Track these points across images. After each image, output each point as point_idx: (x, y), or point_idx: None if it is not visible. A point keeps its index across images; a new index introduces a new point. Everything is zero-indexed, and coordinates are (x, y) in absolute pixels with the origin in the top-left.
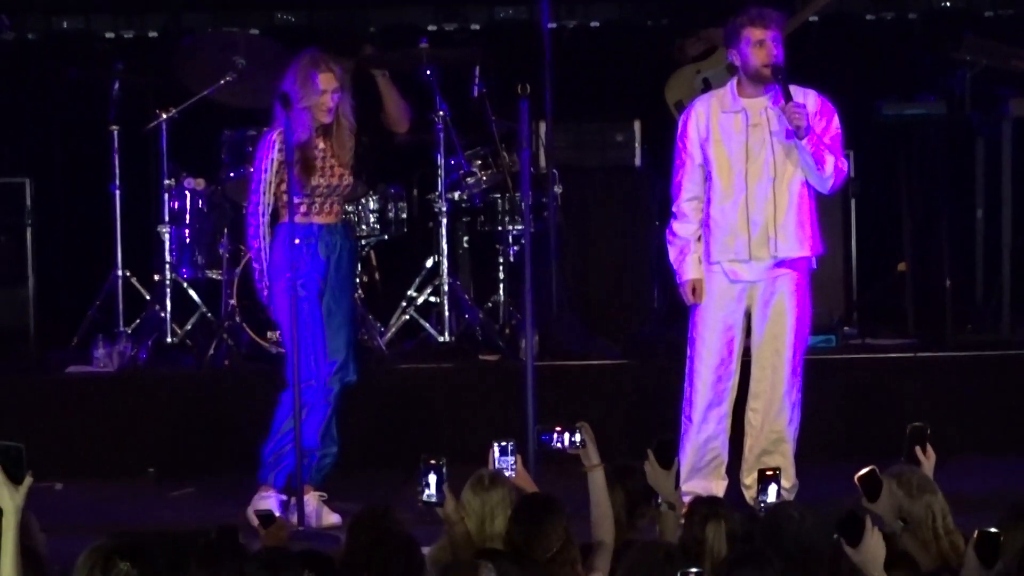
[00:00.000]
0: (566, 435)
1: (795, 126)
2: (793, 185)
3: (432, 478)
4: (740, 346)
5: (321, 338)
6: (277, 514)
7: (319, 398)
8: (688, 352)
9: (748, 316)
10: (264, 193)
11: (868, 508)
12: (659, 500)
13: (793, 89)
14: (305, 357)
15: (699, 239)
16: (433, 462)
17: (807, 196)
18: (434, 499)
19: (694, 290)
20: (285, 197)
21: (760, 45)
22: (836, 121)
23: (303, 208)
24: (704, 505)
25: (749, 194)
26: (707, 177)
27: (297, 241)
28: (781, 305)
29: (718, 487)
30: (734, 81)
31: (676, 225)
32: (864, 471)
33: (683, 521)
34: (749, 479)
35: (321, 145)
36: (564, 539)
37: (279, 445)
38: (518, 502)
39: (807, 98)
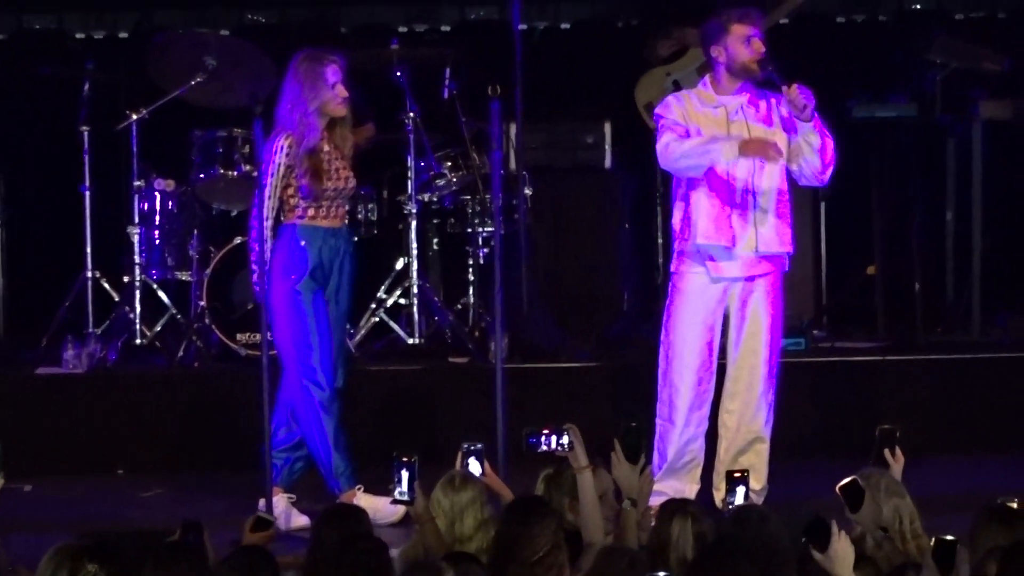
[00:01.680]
0: (553, 437)
1: (800, 107)
2: (773, 180)
3: (404, 475)
4: (718, 347)
5: (329, 342)
6: (273, 520)
7: (332, 402)
8: (664, 353)
9: (725, 316)
10: (269, 198)
11: (851, 518)
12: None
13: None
14: (317, 360)
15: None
16: (406, 459)
17: (786, 192)
18: (405, 497)
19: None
20: (292, 201)
21: (748, 41)
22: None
23: (310, 211)
24: (674, 504)
25: (732, 188)
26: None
27: (303, 243)
28: (759, 305)
29: (691, 490)
30: (707, 79)
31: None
32: (846, 481)
33: (653, 522)
34: (721, 481)
35: (327, 148)
36: (553, 542)
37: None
38: (509, 504)
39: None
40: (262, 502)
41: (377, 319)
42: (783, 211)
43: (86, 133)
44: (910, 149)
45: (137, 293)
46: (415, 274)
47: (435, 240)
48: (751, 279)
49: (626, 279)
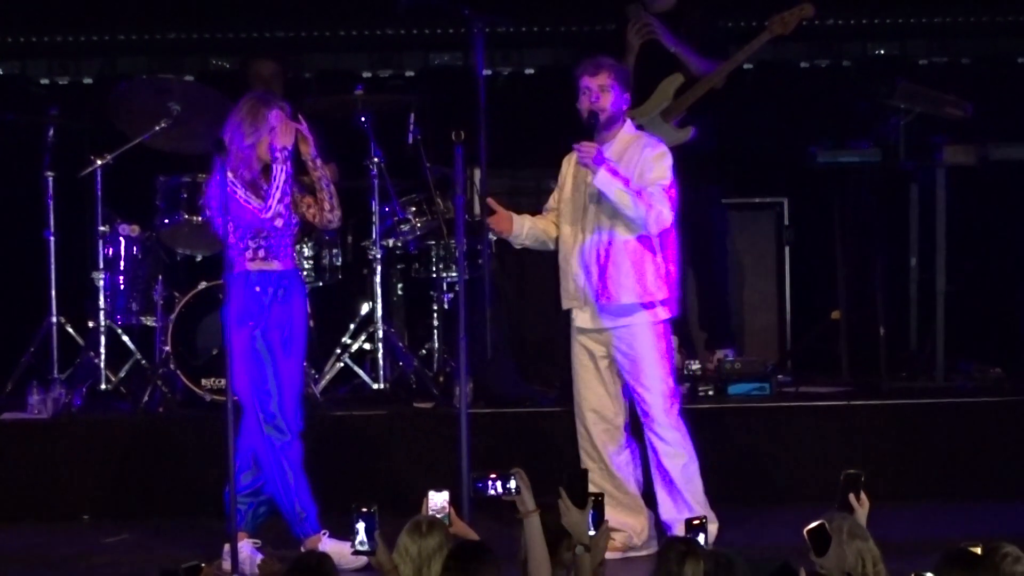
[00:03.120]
0: (499, 482)
1: (582, 163)
2: (616, 234)
3: (363, 526)
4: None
5: (289, 386)
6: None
7: (293, 447)
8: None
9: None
10: (274, 194)
11: (816, 562)
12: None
13: (640, 137)
14: (276, 406)
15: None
16: (365, 510)
17: (637, 244)
18: (366, 547)
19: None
20: (241, 245)
21: (584, 93)
22: (658, 166)
23: (260, 254)
24: (681, 543)
25: (582, 240)
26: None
27: (257, 289)
28: (624, 352)
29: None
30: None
31: None
32: (813, 525)
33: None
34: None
35: (265, 186)
36: None
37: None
38: (451, 549)
39: (639, 146)
40: (227, 547)
41: (342, 364)
42: (627, 266)
43: (50, 179)
44: (874, 194)
45: (102, 338)
46: (380, 319)
47: (399, 285)
48: (609, 328)
49: None
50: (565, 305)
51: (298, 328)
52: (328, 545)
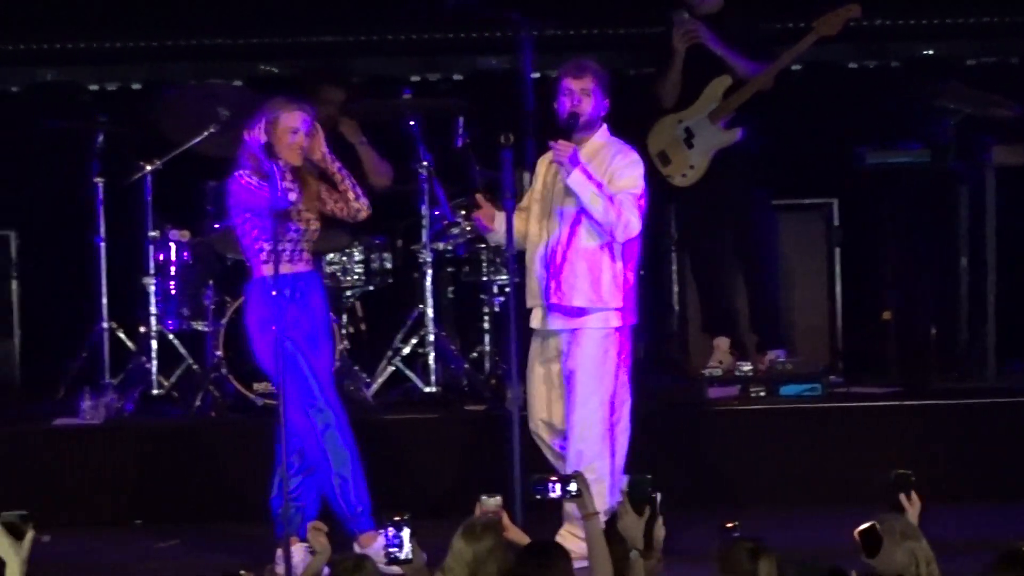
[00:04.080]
0: (559, 484)
1: (556, 161)
2: (577, 235)
3: (396, 534)
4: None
5: (327, 377)
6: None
7: (339, 424)
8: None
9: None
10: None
11: (867, 563)
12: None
13: (612, 144)
14: (319, 390)
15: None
16: (398, 518)
17: (598, 248)
18: (401, 556)
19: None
20: (256, 245)
21: (565, 94)
22: (628, 175)
23: (273, 256)
24: (747, 541)
25: (545, 240)
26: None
27: (275, 293)
28: (572, 356)
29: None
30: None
31: None
32: (864, 526)
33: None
34: None
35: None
36: None
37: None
38: (525, 546)
39: (609, 152)
40: (279, 552)
41: (393, 368)
42: (582, 268)
43: (100, 185)
44: (923, 195)
45: (153, 344)
46: (430, 323)
47: (450, 289)
48: (561, 330)
49: (640, 327)
50: (528, 304)
51: (320, 327)
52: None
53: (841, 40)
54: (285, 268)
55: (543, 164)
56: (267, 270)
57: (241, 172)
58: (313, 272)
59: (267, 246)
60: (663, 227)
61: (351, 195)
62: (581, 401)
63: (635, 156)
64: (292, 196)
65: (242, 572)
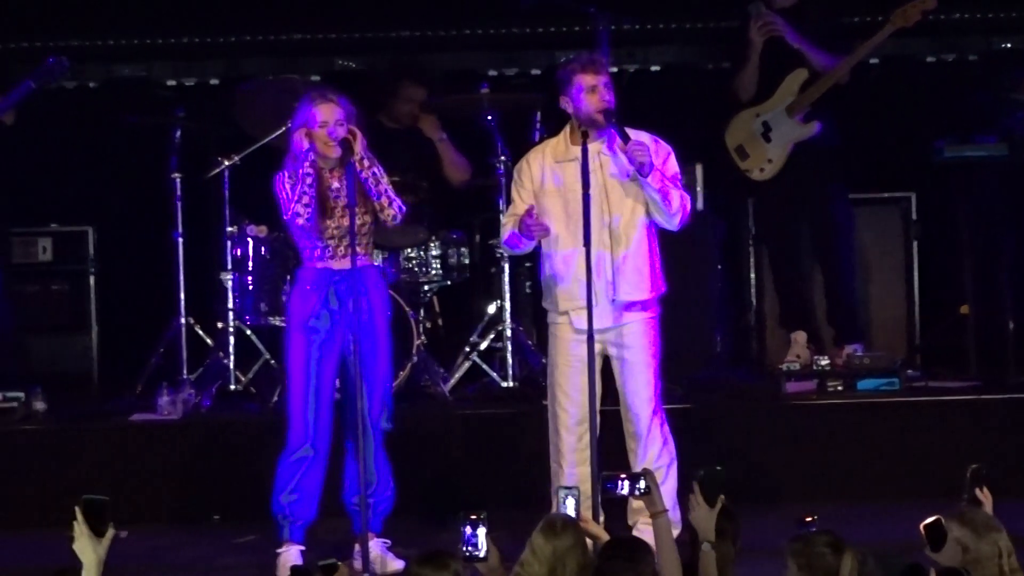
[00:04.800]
0: (628, 482)
1: (638, 163)
2: (630, 229)
3: (472, 532)
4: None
5: (320, 394)
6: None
7: (317, 460)
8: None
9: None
10: (299, 199)
11: (932, 557)
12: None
13: (615, 134)
14: (300, 413)
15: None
16: (474, 516)
17: (645, 240)
18: (480, 554)
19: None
20: (303, 243)
21: (592, 91)
22: (672, 160)
23: (317, 253)
24: (825, 535)
25: (589, 240)
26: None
27: (309, 287)
28: (632, 349)
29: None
30: (566, 129)
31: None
32: (929, 520)
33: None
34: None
35: (335, 185)
36: None
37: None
38: (611, 541)
39: (640, 139)
40: (357, 547)
41: (471, 363)
42: (641, 261)
43: (178, 180)
44: (1000, 188)
45: (231, 339)
46: (508, 318)
47: (527, 284)
48: (619, 325)
49: (718, 320)
50: (562, 307)
51: (372, 325)
52: (294, 557)
53: (918, 34)
54: (331, 264)
55: (543, 164)
56: (307, 263)
57: (282, 173)
58: (364, 269)
59: (308, 242)
60: (741, 221)
61: (383, 202)
62: (646, 394)
63: (662, 141)
64: (300, 221)
65: (321, 563)
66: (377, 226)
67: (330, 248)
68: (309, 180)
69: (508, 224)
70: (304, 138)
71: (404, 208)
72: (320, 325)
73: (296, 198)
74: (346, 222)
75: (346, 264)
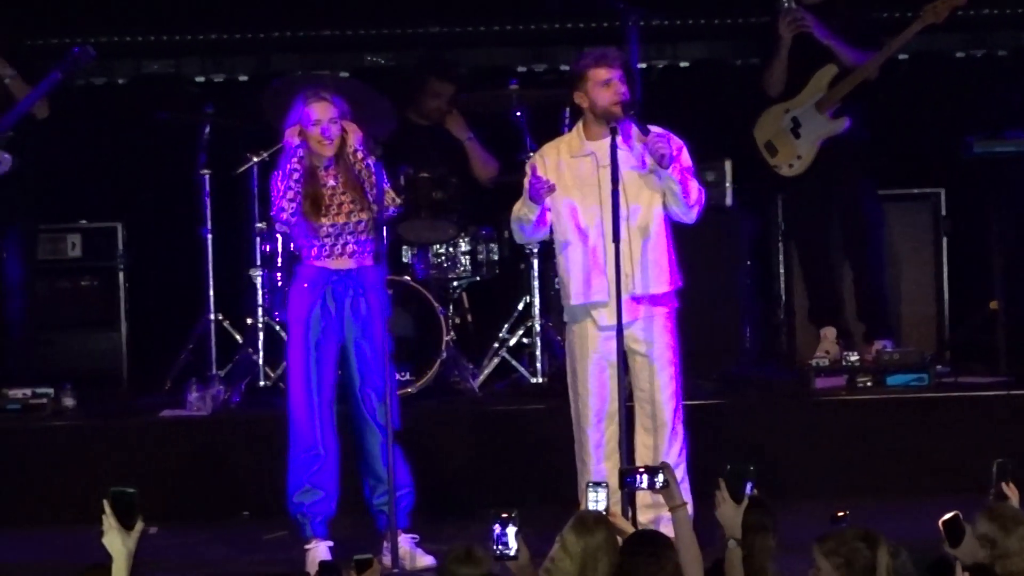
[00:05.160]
0: (646, 476)
1: (659, 156)
2: (647, 222)
3: (503, 530)
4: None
5: (321, 393)
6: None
7: (328, 457)
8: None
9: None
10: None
11: (951, 553)
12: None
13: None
14: (303, 412)
15: None
16: (505, 515)
17: (663, 232)
18: (511, 553)
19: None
20: (300, 241)
21: (607, 84)
22: (686, 153)
23: (314, 251)
24: (859, 531)
25: (604, 235)
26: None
27: (306, 286)
28: (653, 345)
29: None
30: (580, 125)
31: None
32: (948, 516)
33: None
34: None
35: (331, 183)
36: None
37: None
38: (632, 535)
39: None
40: (386, 543)
41: (500, 359)
42: (659, 254)
43: (207, 176)
44: None
45: (260, 335)
46: (537, 313)
47: (556, 279)
48: (636, 319)
49: (747, 316)
50: (582, 303)
51: (371, 326)
52: (323, 553)
53: (948, 30)
54: (327, 263)
55: (556, 160)
56: (306, 261)
57: (277, 171)
58: (362, 270)
59: (305, 240)
60: (770, 217)
61: (371, 197)
62: (670, 389)
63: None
64: (283, 216)
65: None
66: (406, 223)
67: (326, 247)
68: (296, 176)
69: (513, 211)
70: (296, 136)
71: (399, 203)
72: (316, 324)
73: (282, 193)
74: (340, 219)
75: (343, 264)
